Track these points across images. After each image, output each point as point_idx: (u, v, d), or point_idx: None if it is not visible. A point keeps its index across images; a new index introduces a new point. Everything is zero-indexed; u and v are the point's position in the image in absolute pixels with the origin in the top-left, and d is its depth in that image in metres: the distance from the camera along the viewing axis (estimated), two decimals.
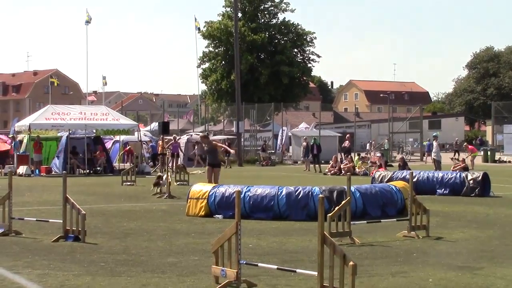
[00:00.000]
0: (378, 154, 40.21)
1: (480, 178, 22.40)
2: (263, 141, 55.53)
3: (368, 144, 64.96)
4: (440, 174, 23.72)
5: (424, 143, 60.83)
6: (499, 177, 30.20)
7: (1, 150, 43.38)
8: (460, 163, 32.18)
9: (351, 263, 7.38)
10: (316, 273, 7.76)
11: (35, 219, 14.56)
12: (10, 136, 45.81)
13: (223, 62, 77.34)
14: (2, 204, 13.35)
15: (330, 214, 11.98)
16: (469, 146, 47.31)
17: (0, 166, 38.72)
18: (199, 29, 75.87)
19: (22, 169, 36.07)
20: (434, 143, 36.31)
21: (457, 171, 26.70)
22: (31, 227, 13.99)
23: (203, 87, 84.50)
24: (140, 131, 41.97)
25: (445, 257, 10.84)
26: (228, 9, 77.31)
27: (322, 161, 43.33)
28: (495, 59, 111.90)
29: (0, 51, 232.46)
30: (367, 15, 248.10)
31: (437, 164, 35.06)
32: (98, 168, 37.90)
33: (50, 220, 13.87)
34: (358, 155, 41.52)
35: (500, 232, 13.83)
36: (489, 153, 53.81)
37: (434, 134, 38.14)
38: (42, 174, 36.15)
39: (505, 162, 52.91)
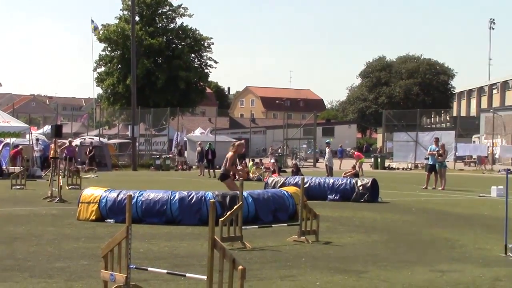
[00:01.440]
0: (272, 160, 40.66)
1: (369, 184, 22.99)
2: (179, 146, 55.20)
3: (278, 149, 65.62)
4: (331, 180, 24.18)
5: (316, 148, 61.93)
6: (388, 184, 31.07)
7: None
8: (351, 169, 32.94)
9: (240, 267, 7.46)
10: (205, 277, 7.80)
11: None
12: None
13: (120, 66, 76.64)
14: None
15: (222, 219, 12.08)
16: (355, 153, 48.37)
17: None
18: (95, 30, 74.62)
19: None
20: (327, 150, 37.01)
21: (348, 177, 27.31)
22: None
23: (99, 90, 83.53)
24: (31, 134, 41.03)
25: (333, 261, 11.09)
26: (126, 12, 76.69)
27: (217, 166, 43.44)
28: (387, 69, 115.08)
29: None
30: (264, 22, 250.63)
31: (329, 170, 35.76)
32: None
33: None
34: (253, 160, 41.87)
35: (386, 237, 14.24)
36: (379, 160, 55.25)
37: (327, 141, 38.91)
38: None
39: (394, 169, 54.48)
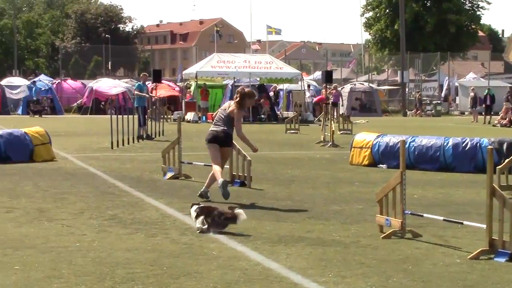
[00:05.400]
0: None
1: None
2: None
3: None
4: None
5: None
6: None
7: (169, 96, 44.72)
8: None
9: None
10: (484, 226, 7.57)
11: (203, 163, 13.98)
12: (178, 83, 47.45)
13: (387, 11, 75.86)
14: (172, 149, 13.86)
15: (499, 167, 11.62)
16: None
17: (169, 112, 40.00)
18: None
19: (189, 116, 37.35)
20: None
21: None
22: (200, 171, 13.87)
23: (367, 36, 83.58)
24: (303, 80, 42.17)
25: None
26: None
27: (492, 113, 41.92)
28: None
29: (168, 1, 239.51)
30: None
31: None
32: (262, 116, 38.50)
33: None
34: None
35: None
36: None
37: None
38: (208, 120, 37.08)
39: None
